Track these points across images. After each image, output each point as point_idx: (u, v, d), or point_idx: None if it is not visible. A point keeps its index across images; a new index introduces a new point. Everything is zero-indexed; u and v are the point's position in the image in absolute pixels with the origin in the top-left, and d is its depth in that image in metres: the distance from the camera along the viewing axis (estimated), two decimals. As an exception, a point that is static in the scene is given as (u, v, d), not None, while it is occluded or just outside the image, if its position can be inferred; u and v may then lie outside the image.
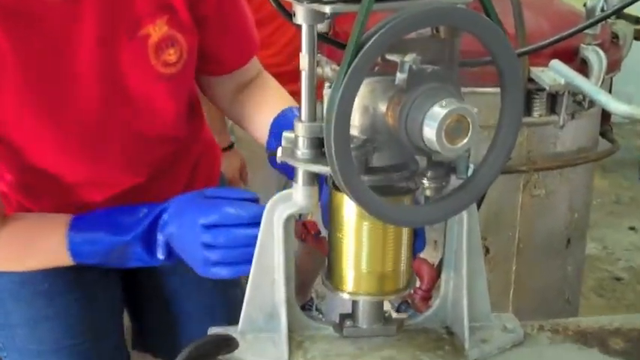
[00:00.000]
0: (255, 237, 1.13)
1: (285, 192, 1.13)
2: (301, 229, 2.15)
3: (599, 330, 1.23)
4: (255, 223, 1.14)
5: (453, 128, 0.94)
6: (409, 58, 0.96)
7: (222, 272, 1.21)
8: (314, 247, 2.35)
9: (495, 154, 1.03)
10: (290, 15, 1.06)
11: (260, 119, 1.49)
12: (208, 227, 1.20)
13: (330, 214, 1.13)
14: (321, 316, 2.92)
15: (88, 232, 1.33)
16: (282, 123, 1.40)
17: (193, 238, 1.21)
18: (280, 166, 1.17)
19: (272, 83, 1.59)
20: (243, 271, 1.18)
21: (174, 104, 1.45)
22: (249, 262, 1.14)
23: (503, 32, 0.97)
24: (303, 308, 3.28)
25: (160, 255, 1.28)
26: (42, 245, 1.37)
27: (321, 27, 2.17)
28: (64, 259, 1.34)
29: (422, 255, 1.71)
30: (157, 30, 1.36)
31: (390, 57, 0.99)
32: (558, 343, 1.20)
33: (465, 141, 0.95)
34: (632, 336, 1.21)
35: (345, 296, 1.15)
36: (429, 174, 1.06)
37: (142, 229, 1.28)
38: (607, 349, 1.18)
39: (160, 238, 1.27)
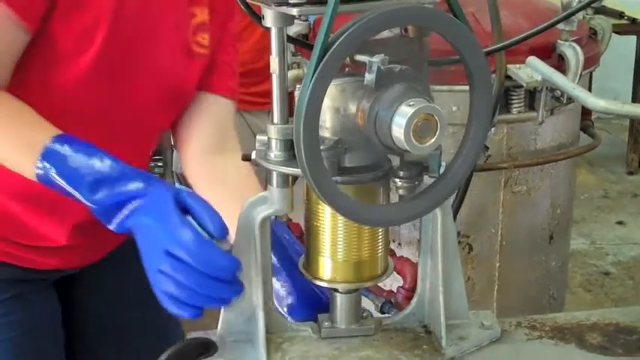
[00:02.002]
0: (213, 289, 1.10)
1: (260, 194, 1.14)
2: (285, 231, 2.14)
3: (576, 325, 1.23)
4: (218, 279, 1.09)
5: (421, 127, 0.95)
6: (377, 58, 0.97)
7: (168, 305, 1.12)
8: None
9: (466, 150, 1.04)
10: (259, 17, 1.06)
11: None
12: (171, 255, 1.10)
13: (306, 203, 1.14)
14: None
15: (71, 152, 1.21)
16: None
17: (154, 255, 1.12)
18: None
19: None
20: (189, 313, 1.12)
21: (193, 88, 1.52)
22: (199, 308, 1.11)
23: (469, 30, 0.97)
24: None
25: (113, 227, 1.18)
26: (20, 131, 1.28)
27: (302, 29, 2.20)
28: (29, 162, 1.22)
29: (404, 254, 1.73)
30: (201, 13, 1.49)
31: (358, 58, 0.99)
32: (535, 339, 1.20)
33: (434, 140, 0.96)
34: (608, 330, 1.22)
35: (323, 284, 1.16)
36: (401, 173, 1.07)
37: (111, 200, 1.17)
38: (584, 344, 1.19)
39: (121, 218, 1.17)
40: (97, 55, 1.37)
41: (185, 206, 1.13)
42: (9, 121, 1.30)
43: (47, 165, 1.19)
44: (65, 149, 1.20)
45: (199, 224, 1.12)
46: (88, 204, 1.17)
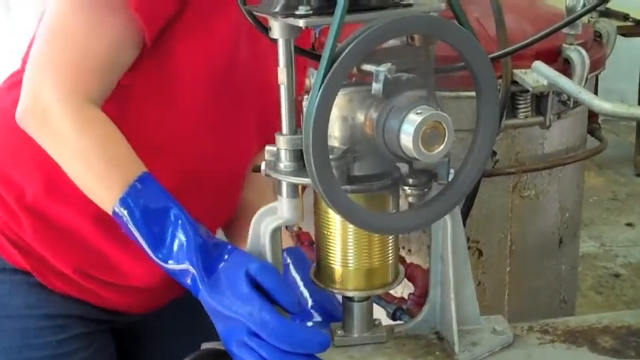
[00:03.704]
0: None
1: (270, 205, 1.14)
2: (294, 240, 2.15)
3: (588, 329, 1.23)
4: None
5: (430, 135, 0.96)
6: (384, 67, 0.97)
7: None
8: (309, 258, 2.35)
9: (474, 157, 1.04)
10: (266, 29, 1.07)
11: None
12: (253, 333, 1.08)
13: (315, 211, 1.14)
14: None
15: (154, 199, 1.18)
16: None
17: (235, 330, 1.10)
18: None
19: None
20: None
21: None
22: None
23: (474, 37, 0.98)
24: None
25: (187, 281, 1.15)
26: (111, 163, 1.21)
27: (307, 38, 2.20)
28: (109, 200, 1.19)
29: (415, 261, 1.73)
30: None
31: (365, 67, 1.00)
32: (548, 343, 1.20)
33: (442, 147, 0.97)
34: (620, 333, 1.22)
35: (335, 292, 1.17)
36: (410, 181, 1.08)
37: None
38: (596, 347, 1.19)
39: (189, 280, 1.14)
40: (213, 86, 1.34)
41: (256, 280, 1.10)
42: (100, 148, 1.22)
43: (125, 212, 1.17)
44: (147, 199, 1.17)
45: (273, 300, 1.10)
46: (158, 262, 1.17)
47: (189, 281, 1.13)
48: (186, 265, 1.13)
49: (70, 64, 1.24)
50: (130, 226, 1.17)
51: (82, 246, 1.39)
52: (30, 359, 1.43)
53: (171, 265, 1.15)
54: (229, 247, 1.16)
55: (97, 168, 1.21)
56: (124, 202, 1.17)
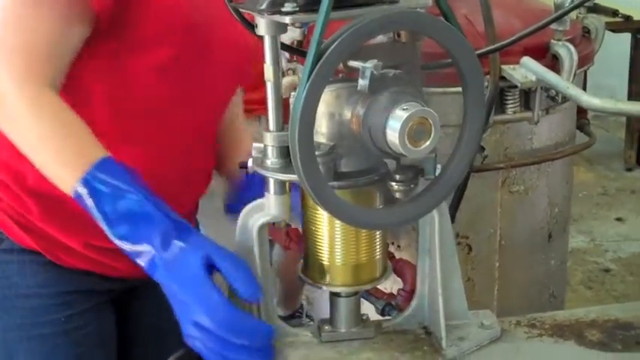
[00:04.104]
0: (244, 355, 1.10)
1: (258, 201, 1.15)
2: (284, 237, 2.15)
3: (575, 323, 1.24)
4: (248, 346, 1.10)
5: (416, 131, 0.96)
6: (370, 63, 0.98)
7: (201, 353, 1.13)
8: (299, 254, 2.35)
9: (461, 152, 1.05)
10: (252, 26, 1.07)
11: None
12: (200, 325, 1.10)
13: (302, 207, 1.15)
14: (311, 323, 2.92)
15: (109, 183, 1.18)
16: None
17: (183, 321, 1.12)
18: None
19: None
20: None
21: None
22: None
23: (460, 34, 0.98)
24: (293, 316, 3.30)
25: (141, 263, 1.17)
26: (69, 146, 1.23)
27: (296, 35, 2.20)
28: (69, 181, 1.20)
29: (404, 257, 1.73)
30: None
31: (352, 63, 1.00)
32: (535, 337, 1.21)
33: (428, 143, 0.97)
34: (607, 327, 1.23)
35: (322, 288, 1.17)
36: (397, 177, 1.08)
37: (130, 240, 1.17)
38: (583, 340, 1.20)
39: (144, 262, 1.16)
40: (178, 45, 1.36)
41: (215, 266, 1.11)
42: (60, 132, 1.24)
43: (85, 192, 1.18)
44: (107, 179, 1.18)
45: (230, 286, 1.11)
46: (113, 238, 1.18)
47: (146, 261, 1.14)
48: (144, 246, 1.14)
49: (21, 49, 1.25)
50: (89, 206, 1.18)
51: (88, 219, 1.41)
52: (40, 335, 1.47)
53: (129, 246, 1.16)
54: (190, 229, 1.17)
55: (56, 151, 1.22)
56: (84, 181, 1.18)
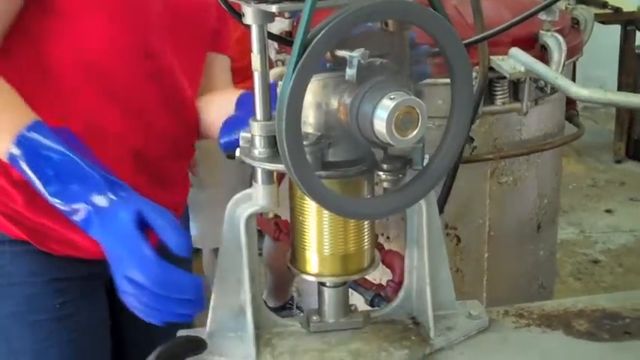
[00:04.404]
0: (175, 307, 1.13)
1: (245, 191, 1.14)
2: (274, 228, 2.15)
3: (563, 312, 1.24)
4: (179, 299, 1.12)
5: (403, 120, 0.96)
6: (357, 52, 0.97)
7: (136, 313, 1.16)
8: (288, 246, 2.35)
9: (448, 142, 1.04)
10: (239, 15, 1.07)
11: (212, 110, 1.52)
12: (131, 279, 1.13)
13: (290, 197, 1.14)
14: (302, 314, 2.92)
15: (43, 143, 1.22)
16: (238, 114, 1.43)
17: (117, 276, 1.15)
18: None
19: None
20: (157, 322, 1.15)
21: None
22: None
23: (448, 23, 0.98)
24: (283, 307, 3.29)
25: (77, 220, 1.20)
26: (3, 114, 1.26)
27: (285, 26, 2.20)
28: (5, 146, 1.23)
29: (394, 248, 1.73)
30: None
31: (339, 53, 1.00)
32: (523, 327, 1.21)
33: (416, 132, 0.97)
34: (595, 316, 1.23)
35: (310, 278, 1.16)
36: (385, 166, 1.08)
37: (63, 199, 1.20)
38: (571, 330, 1.20)
39: (78, 221, 1.19)
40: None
41: (147, 222, 1.14)
42: None
43: (19, 152, 1.21)
44: (39, 139, 1.21)
45: (162, 241, 1.13)
46: (48, 197, 1.20)
47: (81, 219, 1.17)
48: (78, 204, 1.17)
49: None
50: (24, 166, 1.20)
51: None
52: (34, 322, 1.49)
53: (64, 205, 1.19)
54: (122, 185, 1.19)
55: None
56: (17, 142, 1.20)
